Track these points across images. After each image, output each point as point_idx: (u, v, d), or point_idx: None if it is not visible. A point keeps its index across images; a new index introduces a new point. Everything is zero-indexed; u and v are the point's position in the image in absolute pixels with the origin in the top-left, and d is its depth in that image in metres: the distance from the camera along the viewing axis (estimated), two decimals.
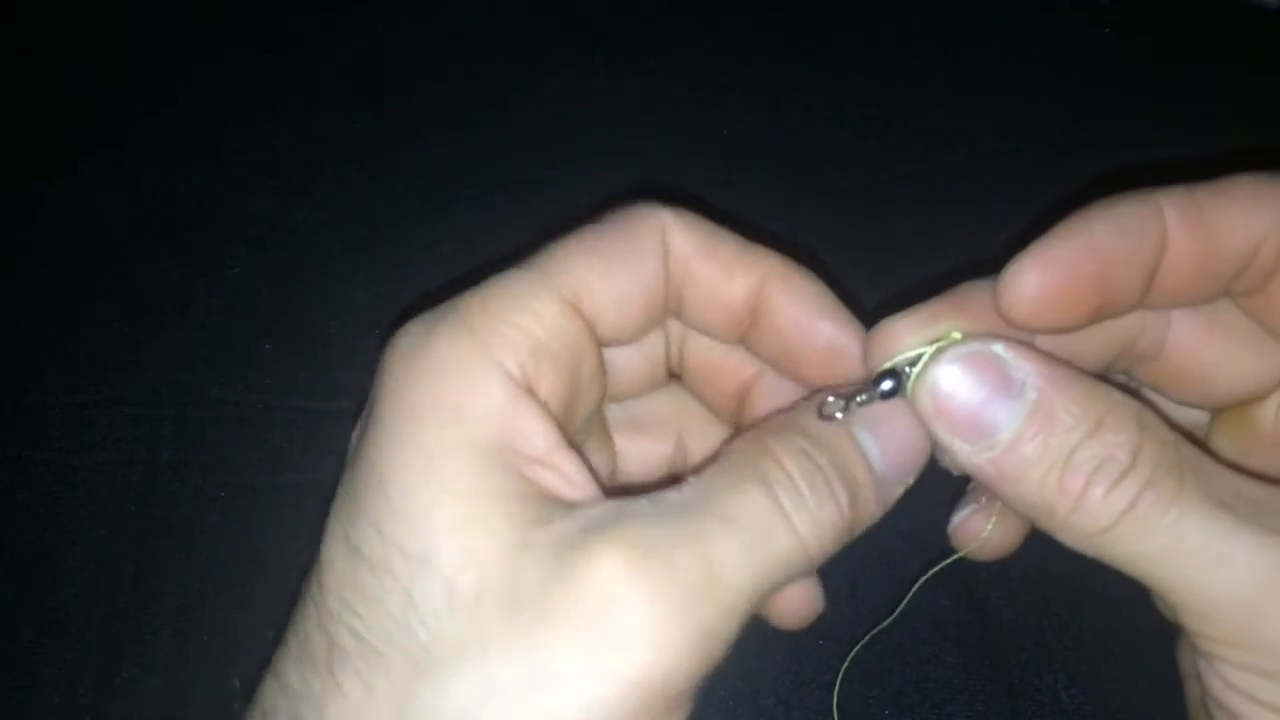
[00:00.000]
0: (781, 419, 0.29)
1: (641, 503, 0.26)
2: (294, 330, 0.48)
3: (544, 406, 0.28)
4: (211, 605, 0.42)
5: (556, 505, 0.27)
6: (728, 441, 0.29)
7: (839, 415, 0.28)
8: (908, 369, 0.28)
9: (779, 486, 0.27)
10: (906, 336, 0.29)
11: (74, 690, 0.41)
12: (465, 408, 0.27)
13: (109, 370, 0.47)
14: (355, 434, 0.29)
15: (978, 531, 0.32)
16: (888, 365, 0.29)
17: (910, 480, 0.30)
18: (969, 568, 0.41)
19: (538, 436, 0.27)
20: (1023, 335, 0.29)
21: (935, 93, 0.53)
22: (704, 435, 0.36)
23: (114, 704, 0.41)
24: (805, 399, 0.31)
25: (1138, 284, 0.29)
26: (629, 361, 0.34)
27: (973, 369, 0.28)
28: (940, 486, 0.31)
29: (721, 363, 0.34)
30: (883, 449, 0.29)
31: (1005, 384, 0.27)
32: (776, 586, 0.26)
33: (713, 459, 0.28)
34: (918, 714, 0.41)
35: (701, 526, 0.26)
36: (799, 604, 0.33)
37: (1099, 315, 0.29)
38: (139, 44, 0.56)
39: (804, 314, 0.31)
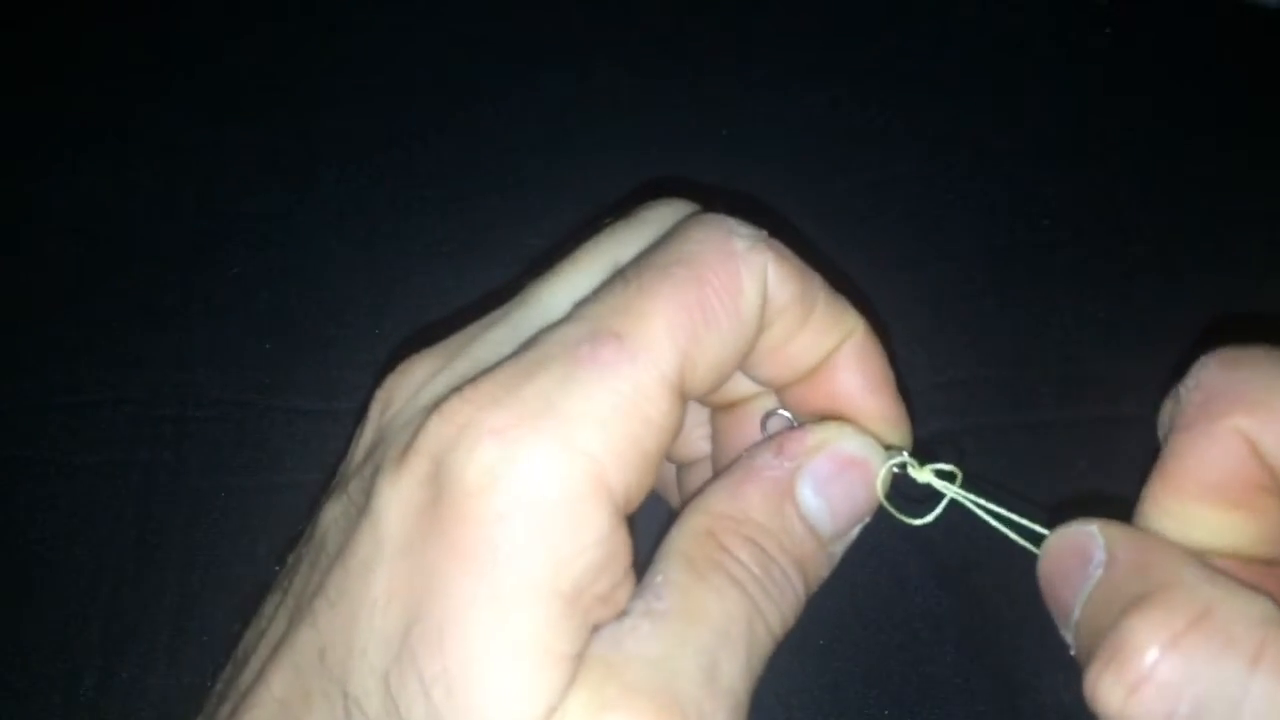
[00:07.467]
0: (726, 505, 0.28)
1: (641, 627, 0.25)
2: (294, 330, 0.48)
3: (628, 526, 0.25)
4: (211, 605, 0.42)
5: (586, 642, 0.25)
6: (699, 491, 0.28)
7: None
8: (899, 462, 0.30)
9: (750, 585, 0.26)
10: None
11: (74, 690, 0.41)
12: (560, 549, 0.23)
13: (109, 370, 0.47)
14: (336, 510, 0.26)
15: None
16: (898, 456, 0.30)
17: (854, 535, 0.30)
18: (969, 568, 0.41)
19: (612, 569, 0.25)
20: None
21: (935, 93, 0.53)
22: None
23: (114, 704, 0.40)
24: (742, 467, 0.29)
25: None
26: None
27: None
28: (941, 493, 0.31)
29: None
30: (832, 510, 0.29)
31: None
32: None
33: (673, 551, 0.27)
34: (918, 714, 0.41)
35: (706, 650, 0.25)
36: None
37: None
38: (139, 41, 0.56)
39: (864, 385, 0.30)
